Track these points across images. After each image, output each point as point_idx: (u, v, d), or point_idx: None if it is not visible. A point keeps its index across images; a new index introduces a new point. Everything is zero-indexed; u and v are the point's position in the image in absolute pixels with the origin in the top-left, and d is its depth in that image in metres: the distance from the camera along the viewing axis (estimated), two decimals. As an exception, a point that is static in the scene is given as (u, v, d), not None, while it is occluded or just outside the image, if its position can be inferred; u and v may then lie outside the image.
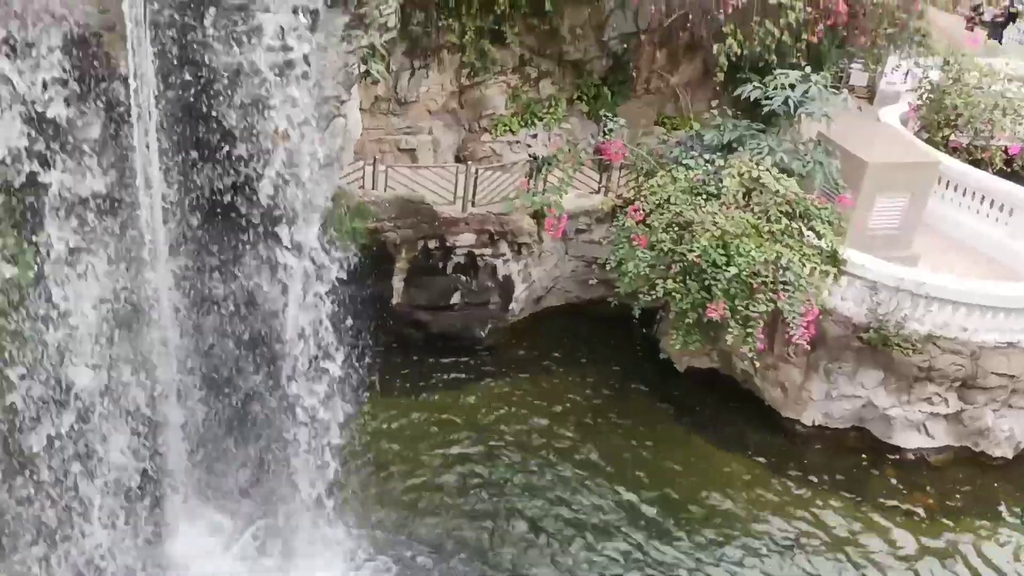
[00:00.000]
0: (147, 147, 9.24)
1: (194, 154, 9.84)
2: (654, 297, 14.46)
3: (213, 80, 9.37)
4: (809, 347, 14.69)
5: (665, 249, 14.23)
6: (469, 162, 16.91)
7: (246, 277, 10.80)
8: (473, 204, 16.40)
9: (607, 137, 16.85)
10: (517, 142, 17.96)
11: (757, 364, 15.06)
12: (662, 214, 14.51)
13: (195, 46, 9.11)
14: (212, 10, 9.00)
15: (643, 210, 14.77)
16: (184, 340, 10.94)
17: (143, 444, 10.75)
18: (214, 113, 9.54)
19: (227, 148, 9.77)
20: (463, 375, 16.52)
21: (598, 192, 17.54)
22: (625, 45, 18.15)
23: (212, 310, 11.02)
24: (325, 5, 9.73)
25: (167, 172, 9.69)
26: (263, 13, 9.14)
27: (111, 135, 8.96)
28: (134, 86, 8.70)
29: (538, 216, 16.61)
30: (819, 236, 14.53)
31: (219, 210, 10.29)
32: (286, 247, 10.45)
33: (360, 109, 13.44)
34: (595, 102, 18.58)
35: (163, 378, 10.77)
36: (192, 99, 9.41)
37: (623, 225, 15.10)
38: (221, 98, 9.45)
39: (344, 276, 10.97)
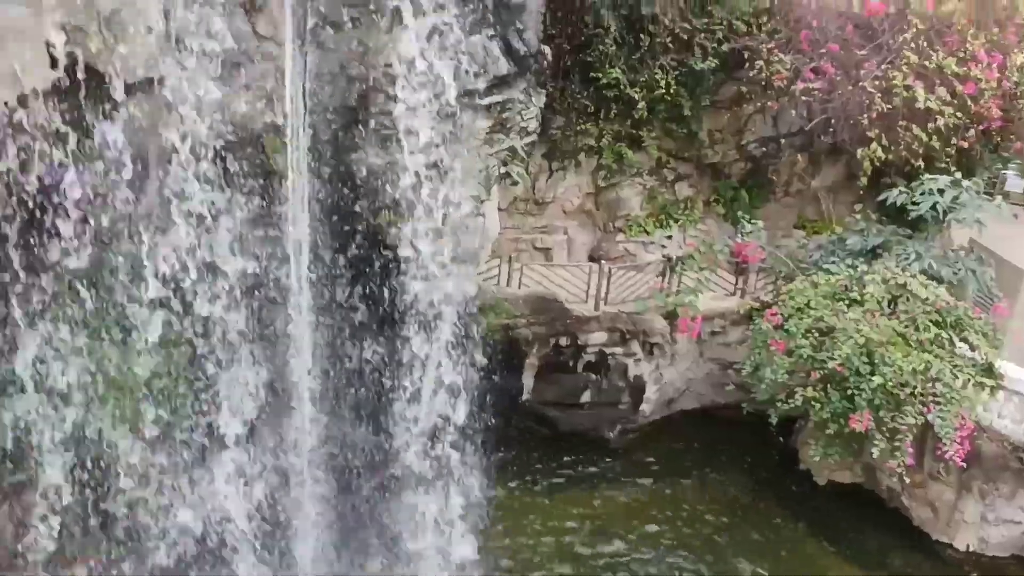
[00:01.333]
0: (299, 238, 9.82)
1: (340, 246, 10.37)
2: (792, 405, 13.96)
3: (361, 178, 9.92)
4: (963, 465, 13.78)
5: (804, 356, 13.79)
6: (603, 261, 17.03)
7: (380, 367, 11.13)
8: (606, 303, 16.44)
9: (744, 239, 16.66)
10: (651, 243, 17.99)
11: (905, 480, 14.19)
12: (801, 319, 14.11)
13: (346, 147, 9.71)
14: (363, 114, 9.58)
15: (781, 314, 14.42)
16: (318, 426, 11.29)
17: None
18: (361, 209, 10.06)
19: (370, 241, 10.26)
20: (589, 476, 16.25)
21: (734, 294, 17.29)
22: (764, 149, 18.08)
23: (345, 400, 11.36)
24: (469, 113, 10.22)
25: (314, 263, 10.22)
26: (408, 119, 9.67)
27: (266, 226, 9.58)
28: (290, 181, 9.30)
29: (671, 317, 16.47)
30: (972, 347, 13.78)
31: (359, 300, 10.73)
32: (423, 340, 10.74)
33: (499, 209, 13.85)
34: (732, 204, 18.48)
35: (298, 463, 11.11)
36: (341, 195, 9.98)
37: (760, 329, 14.75)
38: (368, 195, 9.98)
39: (477, 371, 11.17)
